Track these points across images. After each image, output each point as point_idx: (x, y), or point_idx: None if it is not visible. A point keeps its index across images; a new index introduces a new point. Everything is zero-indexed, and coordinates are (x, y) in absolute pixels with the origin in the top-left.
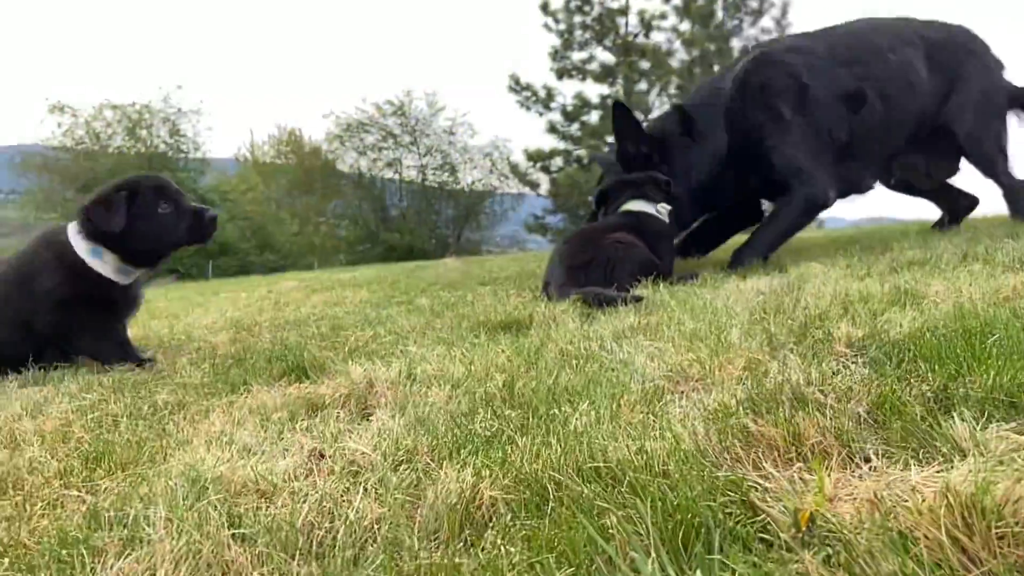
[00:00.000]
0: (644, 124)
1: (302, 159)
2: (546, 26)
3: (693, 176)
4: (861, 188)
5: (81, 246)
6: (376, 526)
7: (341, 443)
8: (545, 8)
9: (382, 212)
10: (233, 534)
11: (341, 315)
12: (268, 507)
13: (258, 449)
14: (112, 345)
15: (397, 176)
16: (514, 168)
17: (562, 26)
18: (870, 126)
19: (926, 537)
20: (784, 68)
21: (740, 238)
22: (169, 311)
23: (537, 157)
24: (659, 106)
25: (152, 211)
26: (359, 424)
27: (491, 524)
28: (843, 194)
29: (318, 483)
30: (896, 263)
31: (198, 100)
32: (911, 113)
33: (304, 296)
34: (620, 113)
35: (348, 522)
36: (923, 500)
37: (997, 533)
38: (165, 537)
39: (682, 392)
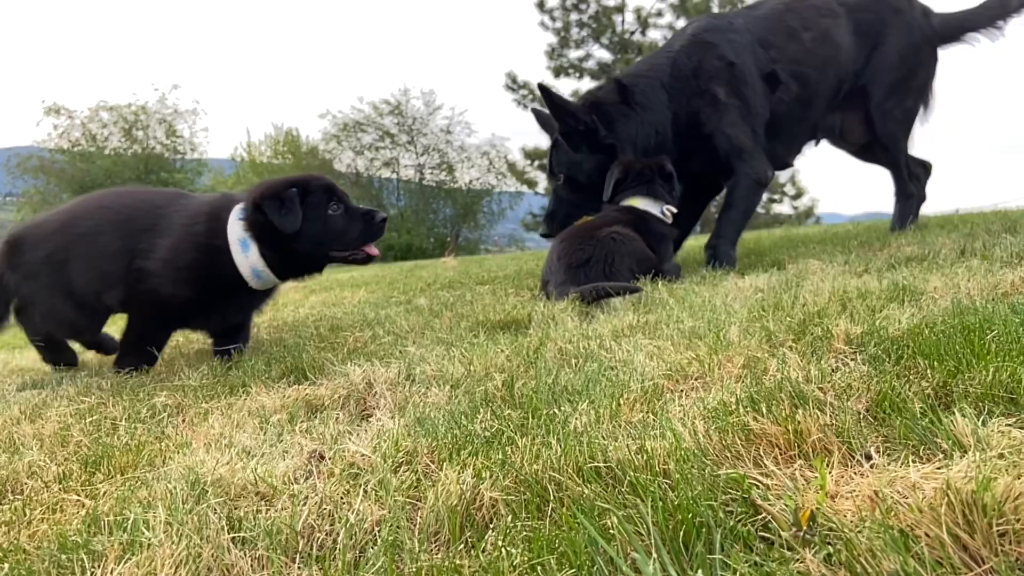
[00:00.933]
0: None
1: (299, 159)
2: (542, 24)
3: (639, 143)
4: (783, 165)
5: (236, 233)
6: (377, 528)
7: (341, 445)
8: (541, 6)
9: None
10: (233, 537)
11: (340, 316)
12: (268, 510)
13: (257, 451)
14: (142, 351)
15: (394, 175)
16: (512, 167)
17: (558, 24)
18: (787, 107)
19: (927, 535)
20: (715, 50)
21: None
22: None
23: (535, 155)
24: None
25: (322, 212)
26: (359, 425)
27: (492, 525)
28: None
29: (318, 485)
30: (894, 259)
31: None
32: (829, 87)
33: (302, 297)
34: (546, 95)
35: (348, 525)
36: (923, 498)
37: (998, 530)
38: (165, 541)
39: (682, 391)
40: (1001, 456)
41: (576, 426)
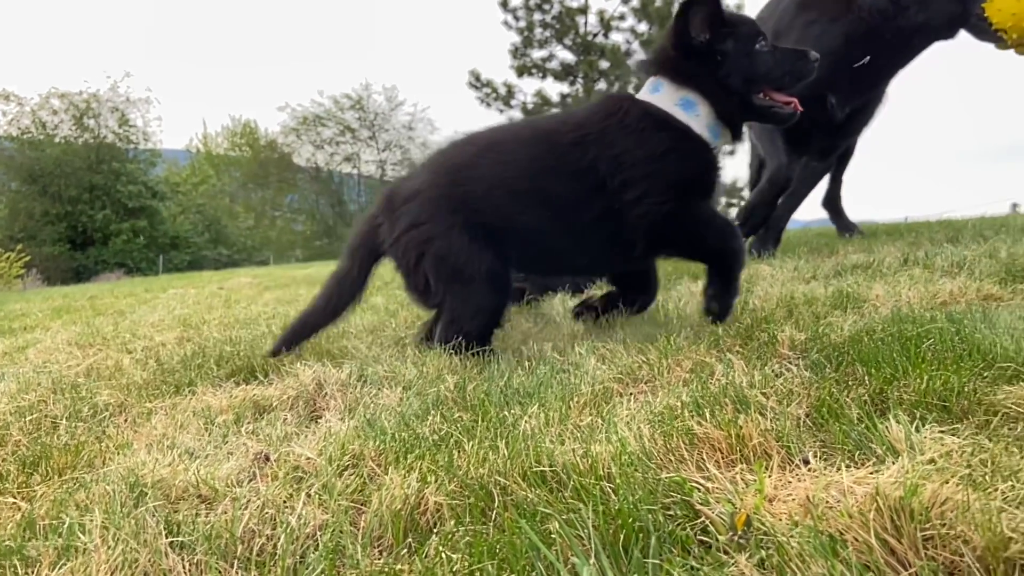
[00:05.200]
0: None
1: (257, 151)
2: (506, 23)
3: None
4: None
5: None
6: (319, 533)
7: (286, 447)
8: (505, 5)
9: (340, 207)
10: (171, 542)
11: (294, 314)
12: (209, 513)
13: (201, 453)
14: None
15: (356, 171)
16: None
17: (522, 23)
18: None
19: (855, 540)
20: None
21: None
22: (115, 308)
23: None
24: None
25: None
26: (307, 427)
27: (436, 530)
28: None
29: (261, 488)
30: (841, 266)
31: (147, 89)
32: None
33: (256, 293)
34: None
35: (289, 529)
36: (854, 503)
37: (925, 535)
38: (101, 546)
39: (631, 394)
40: (932, 462)
41: (525, 429)
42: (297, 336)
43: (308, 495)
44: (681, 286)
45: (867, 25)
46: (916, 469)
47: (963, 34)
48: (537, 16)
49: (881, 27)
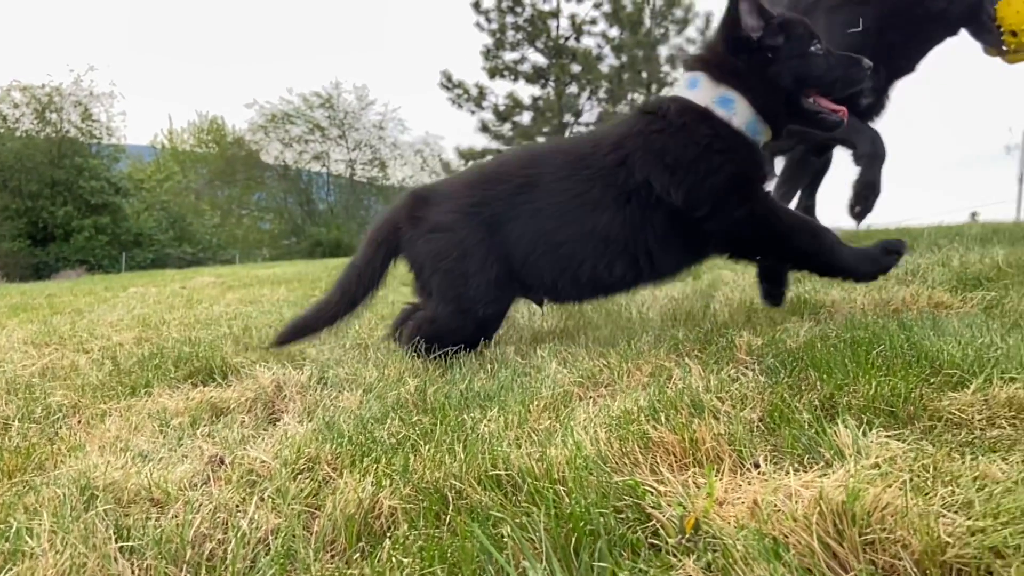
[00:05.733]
0: None
1: (224, 148)
2: (478, 25)
3: None
4: None
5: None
6: (271, 537)
7: (242, 450)
8: (477, 7)
9: (308, 206)
10: (121, 546)
11: (256, 315)
12: (160, 517)
13: (155, 456)
14: None
15: (324, 169)
16: (446, 166)
17: (494, 25)
18: None
19: (798, 543)
20: None
21: None
22: (73, 306)
23: (469, 155)
24: (589, 109)
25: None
26: (264, 430)
27: (389, 534)
28: None
29: (214, 492)
30: (801, 272)
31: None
32: None
33: (219, 293)
34: None
35: (241, 533)
36: (797, 506)
37: (865, 539)
38: (49, 550)
39: (591, 398)
40: (876, 466)
41: (484, 433)
42: (308, 327)
43: (261, 499)
44: (646, 290)
45: (892, 8)
46: (859, 474)
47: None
48: (509, 18)
49: (905, 12)
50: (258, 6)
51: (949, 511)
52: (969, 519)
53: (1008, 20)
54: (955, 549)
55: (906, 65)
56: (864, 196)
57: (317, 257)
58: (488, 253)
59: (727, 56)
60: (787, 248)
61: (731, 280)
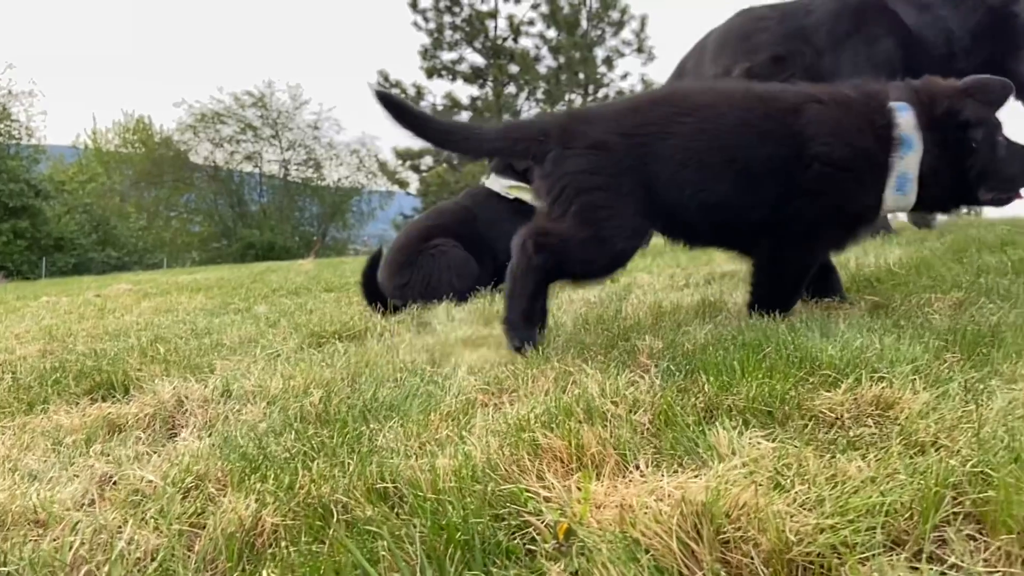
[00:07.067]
0: None
1: (151, 149)
2: (415, 24)
3: None
4: None
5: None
6: (151, 558)
7: (131, 469)
8: (414, 6)
9: (240, 207)
10: None
11: (168, 324)
12: (42, 539)
13: (44, 475)
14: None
15: (257, 170)
16: (383, 166)
17: (432, 25)
18: None
19: (658, 544)
20: None
21: None
22: None
23: (407, 156)
24: (528, 110)
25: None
26: (162, 446)
27: (272, 552)
28: None
29: (98, 513)
30: (712, 275)
31: (31, 81)
32: None
33: (134, 301)
34: None
35: (120, 555)
36: (663, 508)
37: (723, 538)
38: None
39: (495, 404)
40: (745, 466)
41: (381, 444)
42: None
43: (144, 519)
44: (564, 293)
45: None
46: (725, 474)
47: None
48: (447, 18)
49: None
50: (186, 2)
51: (803, 509)
52: (819, 517)
53: None
54: (800, 547)
55: None
56: None
57: (249, 260)
58: (638, 183)
59: (940, 120)
60: (793, 276)
61: (646, 283)
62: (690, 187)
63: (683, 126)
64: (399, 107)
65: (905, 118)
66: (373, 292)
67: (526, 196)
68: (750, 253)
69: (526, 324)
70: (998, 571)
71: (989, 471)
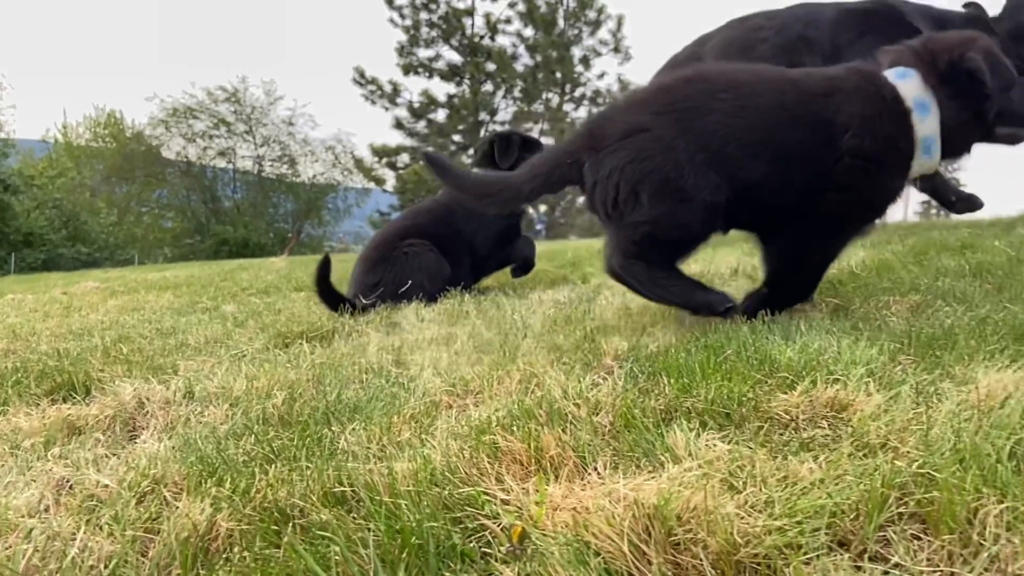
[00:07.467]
0: None
1: (123, 143)
2: (392, 21)
3: None
4: None
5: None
6: (104, 565)
7: (89, 473)
8: (391, 3)
9: (213, 203)
10: None
11: (134, 323)
12: None
13: (0, 481)
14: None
15: (230, 166)
16: (359, 163)
17: (408, 22)
18: None
19: (609, 547)
20: None
21: None
22: None
23: (383, 153)
24: (504, 108)
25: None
26: (122, 448)
27: (227, 557)
28: None
29: (53, 519)
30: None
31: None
32: None
33: (101, 299)
34: None
35: (72, 562)
36: (616, 510)
37: (673, 540)
38: None
39: (461, 406)
40: (700, 467)
41: (343, 446)
42: None
43: (99, 525)
44: (534, 294)
45: None
46: (679, 476)
47: None
48: (424, 15)
49: None
50: None
51: (753, 511)
52: (767, 519)
53: None
54: (748, 548)
55: None
56: None
57: (223, 257)
58: (695, 170)
59: (947, 72)
60: (813, 265)
61: (614, 284)
62: (731, 164)
63: (723, 103)
64: (443, 167)
65: (911, 83)
66: (329, 294)
67: None
68: (773, 241)
69: (703, 290)
70: (939, 570)
71: (934, 472)
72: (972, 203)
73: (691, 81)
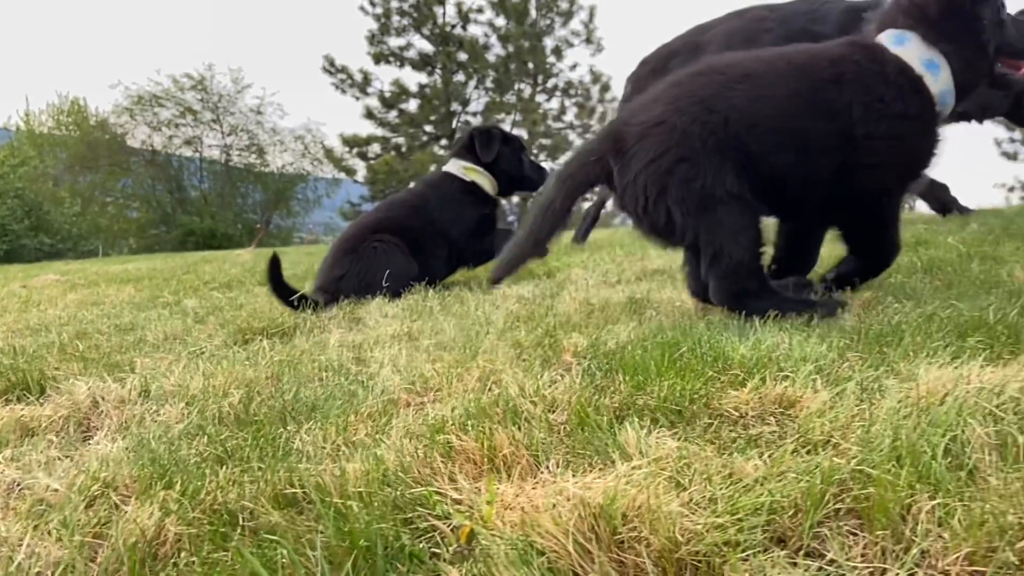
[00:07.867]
0: None
1: (86, 132)
2: (362, 8)
3: None
4: None
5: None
6: (52, 571)
7: (39, 476)
8: None
9: (179, 193)
10: None
11: (92, 319)
12: None
13: None
14: None
15: (197, 155)
16: (329, 153)
17: (379, 10)
18: None
19: (554, 546)
20: None
21: None
22: None
23: (354, 143)
24: (477, 98)
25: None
26: (75, 449)
27: (174, 563)
28: None
29: (0, 524)
30: (644, 271)
31: None
32: None
33: (60, 293)
34: None
35: (19, 567)
36: (564, 509)
37: (618, 539)
38: None
39: (419, 404)
40: (648, 465)
41: (298, 446)
42: (511, 266)
43: (47, 531)
44: (498, 290)
45: None
46: (625, 475)
47: None
48: (394, 3)
49: None
50: None
51: (697, 508)
52: (709, 516)
53: None
54: (689, 546)
55: None
56: None
57: (190, 248)
58: (722, 164)
59: (941, 19)
60: (876, 239)
61: (580, 278)
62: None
63: (739, 93)
64: None
65: (912, 46)
66: (282, 289)
67: (481, 180)
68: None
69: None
70: (872, 566)
71: (871, 469)
72: (963, 212)
73: (702, 73)
